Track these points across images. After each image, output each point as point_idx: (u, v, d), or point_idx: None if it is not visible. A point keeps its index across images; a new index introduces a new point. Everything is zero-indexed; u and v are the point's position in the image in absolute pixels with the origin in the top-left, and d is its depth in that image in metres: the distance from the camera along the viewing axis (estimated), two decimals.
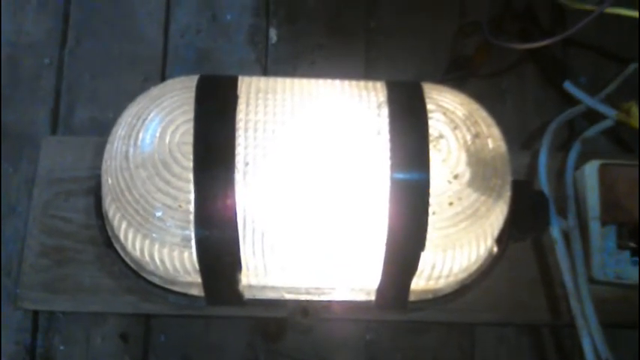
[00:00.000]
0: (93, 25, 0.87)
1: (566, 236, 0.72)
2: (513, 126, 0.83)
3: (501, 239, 0.66)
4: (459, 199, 0.59)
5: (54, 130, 0.83)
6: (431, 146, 0.58)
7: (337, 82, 0.63)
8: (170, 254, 0.60)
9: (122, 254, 0.66)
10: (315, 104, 0.61)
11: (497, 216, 0.61)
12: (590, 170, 0.73)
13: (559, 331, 0.75)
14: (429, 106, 0.60)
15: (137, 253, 0.61)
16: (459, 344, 0.76)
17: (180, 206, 0.58)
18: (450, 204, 0.58)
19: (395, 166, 0.57)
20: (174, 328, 0.76)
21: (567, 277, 0.70)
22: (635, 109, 0.75)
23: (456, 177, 0.59)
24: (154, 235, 0.59)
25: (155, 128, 0.59)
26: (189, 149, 0.57)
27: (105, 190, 0.62)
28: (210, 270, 0.60)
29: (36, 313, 0.76)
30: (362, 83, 0.63)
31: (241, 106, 0.59)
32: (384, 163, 0.58)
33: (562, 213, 0.74)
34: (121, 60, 0.86)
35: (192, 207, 0.57)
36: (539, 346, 0.75)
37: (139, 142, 0.59)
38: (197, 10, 0.88)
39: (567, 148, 0.78)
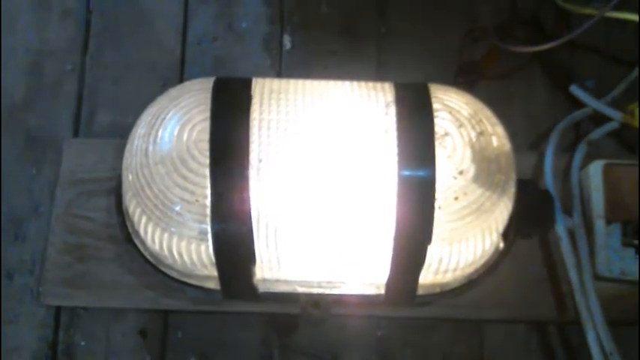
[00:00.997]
0: (113, 33, 0.89)
1: (571, 234, 0.73)
2: (521, 128, 0.84)
3: (507, 235, 0.68)
4: (465, 194, 0.60)
5: (76, 134, 0.85)
6: (437, 143, 0.59)
7: (347, 83, 0.65)
8: (188, 247, 0.62)
9: (142, 249, 0.68)
10: (326, 104, 0.63)
11: (501, 211, 0.62)
12: (595, 170, 0.74)
13: (566, 329, 0.76)
14: (435, 105, 0.61)
15: (156, 247, 0.63)
16: (467, 341, 0.77)
17: (197, 200, 0.59)
18: (456, 199, 0.60)
19: (402, 163, 0.59)
20: (191, 324, 0.77)
21: (573, 274, 0.72)
22: (637, 110, 0.76)
23: (461, 173, 0.60)
24: (172, 228, 0.61)
25: (173, 127, 0.61)
26: (205, 146, 0.59)
27: (126, 186, 0.64)
28: (226, 262, 0.62)
29: (58, 309, 0.78)
30: (370, 84, 0.65)
31: (255, 106, 0.61)
32: (391, 160, 0.59)
33: (568, 212, 0.75)
34: (140, 66, 0.88)
35: (208, 201, 0.59)
36: (547, 344, 0.76)
37: (158, 140, 0.61)
38: (214, 18, 0.90)
39: (573, 150, 0.79)
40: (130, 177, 0.62)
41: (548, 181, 0.76)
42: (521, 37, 0.87)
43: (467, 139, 0.61)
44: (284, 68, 0.88)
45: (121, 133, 0.81)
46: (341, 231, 0.62)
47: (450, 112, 0.62)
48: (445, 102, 0.63)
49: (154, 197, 0.61)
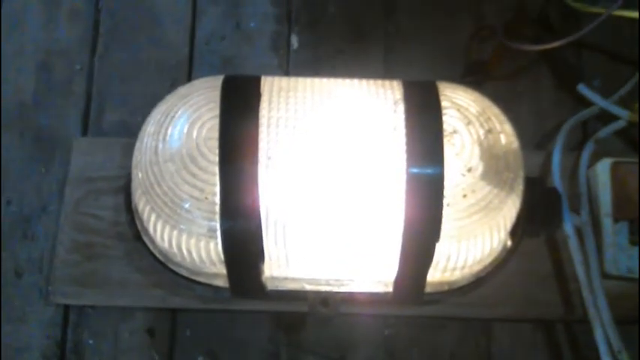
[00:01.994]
0: (122, 32, 0.90)
1: (579, 232, 0.73)
2: (529, 127, 0.84)
3: (515, 233, 0.68)
4: (473, 191, 0.60)
5: (84, 133, 0.85)
6: (445, 141, 0.60)
7: (355, 81, 0.65)
8: (197, 245, 0.62)
9: (151, 247, 0.68)
10: (334, 102, 0.63)
11: (509, 208, 0.62)
12: (602, 168, 0.75)
13: (573, 327, 0.76)
14: (444, 103, 0.61)
15: (165, 245, 0.64)
16: (475, 340, 0.77)
17: (206, 198, 0.60)
18: (464, 196, 0.60)
19: (411, 160, 0.59)
20: (200, 323, 0.78)
21: (580, 272, 0.71)
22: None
23: (469, 170, 0.60)
24: (181, 226, 0.61)
25: (183, 124, 0.62)
26: (214, 144, 0.59)
27: (135, 184, 0.64)
28: (235, 260, 0.62)
29: (67, 308, 0.78)
30: (379, 82, 0.65)
31: (264, 104, 0.61)
32: (400, 158, 0.59)
33: (575, 210, 0.75)
34: (149, 66, 0.88)
35: (217, 199, 0.59)
36: (554, 342, 0.76)
37: (167, 138, 0.62)
38: (222, 17, 0.90)
39: (580, 148, 0.79)
40: (140, 175, 0.63)
41: (556, 179, 0.76)
42: (529, 36, 0.86)
43: (475, 136, 0.61)
44: (291, 68, 0.88)
45: (130, 131, 0.83)
46: (349, 228, 0.62)
47: (459, 110, 0.62)
48: (453, 100, 0.63)
49: (163, 195, 0.61)
